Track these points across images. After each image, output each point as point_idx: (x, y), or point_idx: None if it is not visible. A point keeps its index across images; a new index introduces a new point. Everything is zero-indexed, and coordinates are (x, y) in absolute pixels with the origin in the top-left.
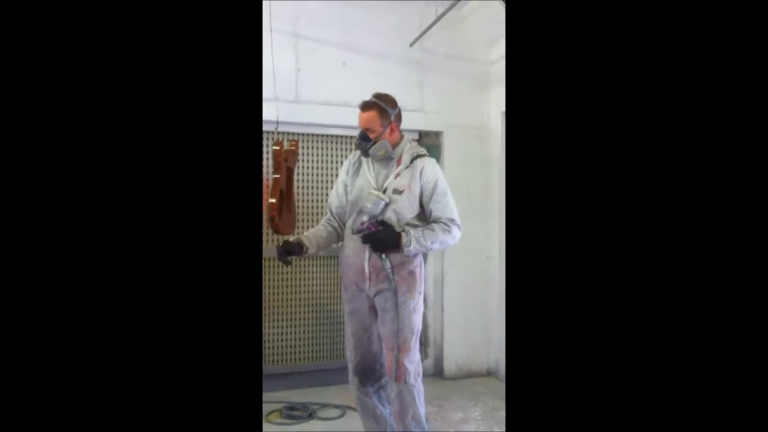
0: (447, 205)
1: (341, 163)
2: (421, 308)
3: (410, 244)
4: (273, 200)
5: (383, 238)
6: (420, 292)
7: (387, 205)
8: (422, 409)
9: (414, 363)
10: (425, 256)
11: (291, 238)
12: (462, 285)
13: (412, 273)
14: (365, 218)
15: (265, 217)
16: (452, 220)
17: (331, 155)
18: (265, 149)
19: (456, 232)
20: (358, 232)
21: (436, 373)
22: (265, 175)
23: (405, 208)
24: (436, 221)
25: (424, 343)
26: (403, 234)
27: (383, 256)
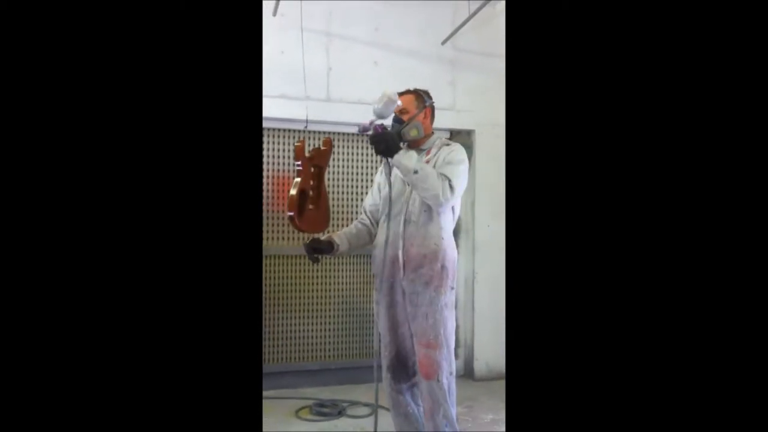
0: (447, 170)
1: (372, 161)
2: (453, 304)
3: (398, 156)
4: (290, 201)
5: (384, 140)
6: (452, 288)
7: (396, 105)
8: (453, 409)
9: (447, 360)
10: (459, 252)
11: (322, 237)
12: (492, 285)
13: (444, 268)
14: (373, 117)
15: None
16: (444, 176)
17: (362, 154)
18: (293, 147)
19: (446, 187)
20: (364, 130)
21: (466, 374)
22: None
23: None
24: None
25: (454, 344)
26: (404, 149)
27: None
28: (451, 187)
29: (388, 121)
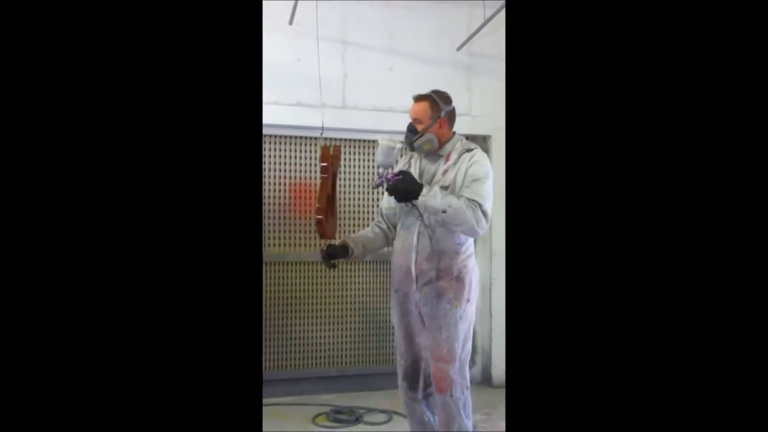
0: (476, 191)
1: None
2: (471, 317)
3: (422, 198)
4: (319, 205)
5: (404, 188)
6: (468, 300)
7: (399, 150)
8: (469, 422)
9: (460, 374)
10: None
11: (337, 242)
12: None
13: (460, 279)
14: (381, 170)
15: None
16: (475, 202)
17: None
18: (309, 154)
19: (479, 216)
20: (378, 185)
21: (484, 380)
22: (312, 179)
23: None
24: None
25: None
26: (426, 187)
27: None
28: (483, 213)
29: (403, 138)
